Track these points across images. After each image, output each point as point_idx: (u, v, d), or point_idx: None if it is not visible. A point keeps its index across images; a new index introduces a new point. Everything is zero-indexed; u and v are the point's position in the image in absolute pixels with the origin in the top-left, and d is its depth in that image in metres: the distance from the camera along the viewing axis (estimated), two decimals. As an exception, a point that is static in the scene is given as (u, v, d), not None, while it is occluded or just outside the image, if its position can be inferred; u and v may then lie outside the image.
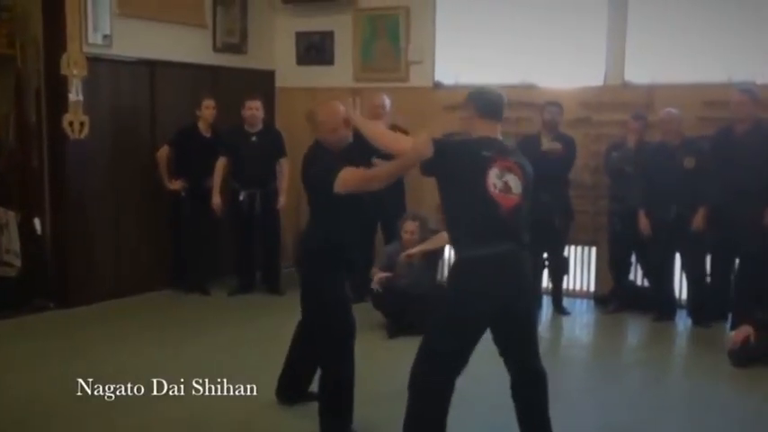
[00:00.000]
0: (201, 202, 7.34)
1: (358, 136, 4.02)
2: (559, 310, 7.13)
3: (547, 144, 6.86)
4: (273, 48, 8.82)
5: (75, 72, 6.65)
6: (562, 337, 6.71)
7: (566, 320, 7.00)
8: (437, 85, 8.18)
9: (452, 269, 3.72)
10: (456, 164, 3.61)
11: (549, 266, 7.18)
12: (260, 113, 7.40)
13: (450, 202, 3.68)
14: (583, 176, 7.42)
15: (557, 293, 7.18)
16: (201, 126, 7.34)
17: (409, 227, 6.46)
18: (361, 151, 4.00)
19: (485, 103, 3.74)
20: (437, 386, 3.67)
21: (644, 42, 7.38)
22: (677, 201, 6.56)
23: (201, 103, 7.30)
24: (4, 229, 7.07)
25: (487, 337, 3.78)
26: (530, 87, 7.73)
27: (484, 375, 4.52)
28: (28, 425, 4.44)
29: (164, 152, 7.28)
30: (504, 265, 3.61)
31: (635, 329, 6.93)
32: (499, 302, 3.62)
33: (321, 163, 4.06)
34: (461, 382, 3.75)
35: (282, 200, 7.51)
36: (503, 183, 3.58)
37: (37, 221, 6.94)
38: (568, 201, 7.05)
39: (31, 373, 5.30)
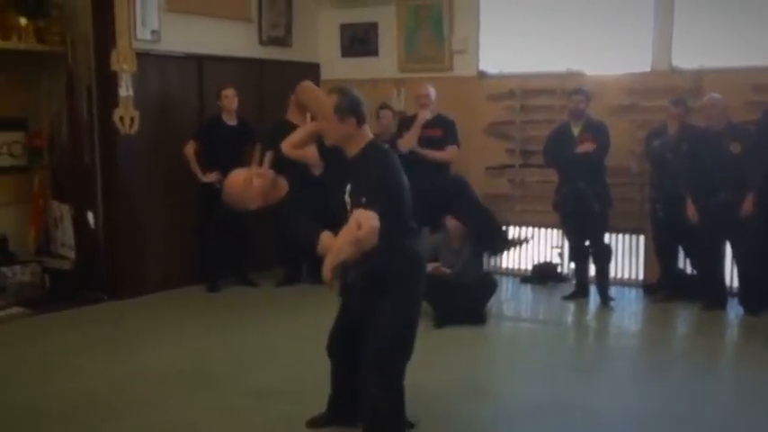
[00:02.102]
0: None
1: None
2: (605, 299, 7.04)
3: (580, 147, 6.83)
4: (318, 40, 8.88)
5: (124, 67, 6.78)
6: (610, 326, 6.67)
7: (614, 309, 6.93)
8: (481, 75, 8.17)
9: (407, 264, 3.76)
10: (397, 184, 3.67)
11: (591, 254, 7.13)
12: None
13: (395, 210, 3.62)
14: (629, 163, 7.35)
15: (602, 281, 7.08)
16: (225, 116, 7.37)
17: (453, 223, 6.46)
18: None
19: (361, 109, 3.71)
20: (403, 375, 3.83)
21: (692, 27, 7.29)
22: (724, 187, 6.47)
23: (221, 93, 7.32)
24: (59, 223, 7.23)
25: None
26: (576, 75, 7.68)
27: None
28: (82, 414, 4.55)
29: (191, 147, 7.25)
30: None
31: (684, 318, 6.85)
32: None
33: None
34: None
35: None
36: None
37: (90, 215, 7.06)
38: (606, 188, 6.97)
39: (87, 363, 5.43)
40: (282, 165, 4.22)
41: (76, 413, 4.54)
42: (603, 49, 7.66)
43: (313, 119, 4.27)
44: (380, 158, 3.70)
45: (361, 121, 3.70)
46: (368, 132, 3.76)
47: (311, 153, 3.96)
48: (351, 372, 4.03)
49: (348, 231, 3.44)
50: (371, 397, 3.75)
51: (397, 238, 3.64)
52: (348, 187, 3.67)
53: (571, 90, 7.12)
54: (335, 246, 3.48)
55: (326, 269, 3.45)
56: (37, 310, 6.66)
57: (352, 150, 3.72)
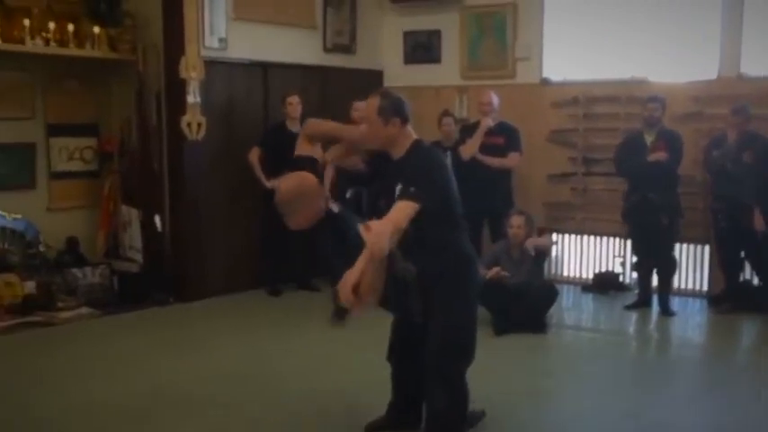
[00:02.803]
0: None
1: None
2: (666, 311, 6.94)
3: (653, 156, 6.72)
4: (381, 47, 8.94)
5: (192, 75, 6.94)
6: (673, 337, 6.59)
7: (677, 320, 6.85)
8: (545, 82, 8.14)
9: (458, 263, 3.74)
10: (445, 181, 3.69)
11: (656, 265, 7.04)
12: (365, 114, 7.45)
13: (444, 208, 3.68)
14: (694, 173, 7.25)
15: (664, 294, 7.00)
16: (289, 123, 7.43)
17: (515, 221, 6.47)
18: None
19: (405, 109, 3.71)
20: (464, 377, 3.87)
21: (762, 32, 7.15)
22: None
23: (285, 100, 7.40)
24: (128, 227, 7.40)
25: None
26: (640, 83, 7.60)
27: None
28: (147, 413, 4.67)
29: (255, 153, 7.35)
30: None
31: (749, 330, 6.73)
32: None
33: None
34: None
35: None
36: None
37: (157, 219, 7.21)
38: (677, 198, 6.86)
39: (153, 363, 5.56)
40: None
41: (143, 412, 4.65)
42: (669, 56, 7.57)
43: (324, 148, 4.34)
44: (426, 156, 3.72)
45: (405, 121, 3.69)
46: (412, 132, 3.75)
47: (355, 160, 4.00)
48: (410, 377, 4.08)
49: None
50: (433, 400, 3.79)
51: (445, 236, 3.70)
52: (398, 189, 3.67)
53: (647, 98, 6.96)
54: (356, 265, 3.50)
55: (345, 288, 3.46)
56: (105, 310, 6.84)
57: (398, 152, 3.73)
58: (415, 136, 3.77)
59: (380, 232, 3.40)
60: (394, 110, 3.66)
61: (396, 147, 3.72)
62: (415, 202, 3.50)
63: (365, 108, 3.78)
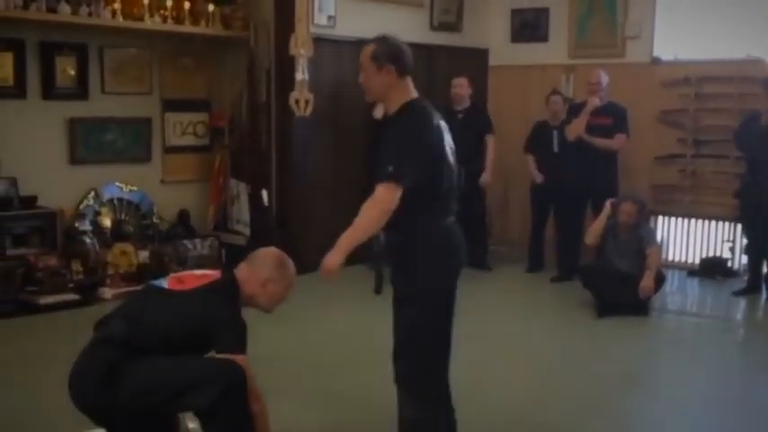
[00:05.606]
0: None
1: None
2: (773, 296, 6.78)
3: None
4: (488, 25, 8.89)
5: (302, 52, 7.05)
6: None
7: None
8: (655, 61, 7.96)
9: (423, 241, 3.28)
10: (428, 153, 3.18)
11: (765, 250, 6.83)
12: (464, 91, 7.50)
13: (423, 186, 3.20)
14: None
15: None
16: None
17: (627, 208, 6.38)
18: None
19: (403, 59, 3.26)
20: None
21: None
22: None
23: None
24: (236, 201, 7.62)
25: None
26: (756, 62, 7.36)
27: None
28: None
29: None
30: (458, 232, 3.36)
31: None
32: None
33: None
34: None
35: (487, 176, 7.58)
36: (449, 147, 3.30)
37: (264, 193, 7.39)
38: None
39: (257, 332, 5.72)
40: None
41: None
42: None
43: None
44: (412, 119, 3.21)
45: (401, 71, 3.24)
46: (411, 88, 3.29)
47: None
48: None
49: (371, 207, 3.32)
50: (399, 407, 3.39)
51: (413, 219, 3.25)
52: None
53: (765, 82, 6.67)
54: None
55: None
56: (214, 281, 7.07)
57: (391, 108, 3.28)
58: (414, 94, 3.28)
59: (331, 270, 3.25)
60: (389, 56, 3.24)
61: (390, 101, 3.27)
62: (395, 184, 3.11)
63: (361, 54, 3.32)
